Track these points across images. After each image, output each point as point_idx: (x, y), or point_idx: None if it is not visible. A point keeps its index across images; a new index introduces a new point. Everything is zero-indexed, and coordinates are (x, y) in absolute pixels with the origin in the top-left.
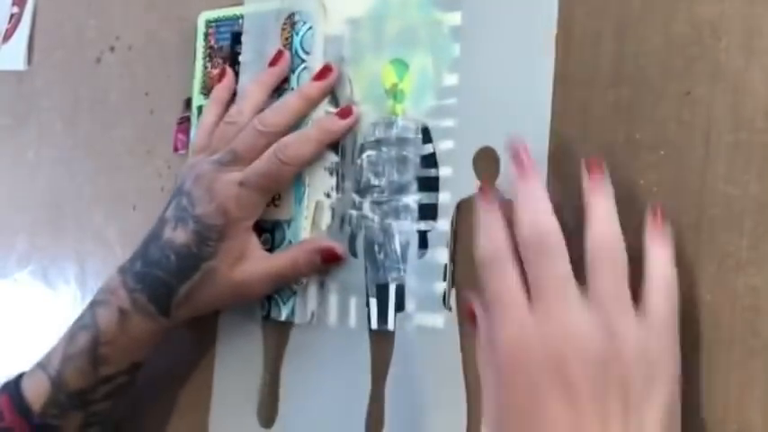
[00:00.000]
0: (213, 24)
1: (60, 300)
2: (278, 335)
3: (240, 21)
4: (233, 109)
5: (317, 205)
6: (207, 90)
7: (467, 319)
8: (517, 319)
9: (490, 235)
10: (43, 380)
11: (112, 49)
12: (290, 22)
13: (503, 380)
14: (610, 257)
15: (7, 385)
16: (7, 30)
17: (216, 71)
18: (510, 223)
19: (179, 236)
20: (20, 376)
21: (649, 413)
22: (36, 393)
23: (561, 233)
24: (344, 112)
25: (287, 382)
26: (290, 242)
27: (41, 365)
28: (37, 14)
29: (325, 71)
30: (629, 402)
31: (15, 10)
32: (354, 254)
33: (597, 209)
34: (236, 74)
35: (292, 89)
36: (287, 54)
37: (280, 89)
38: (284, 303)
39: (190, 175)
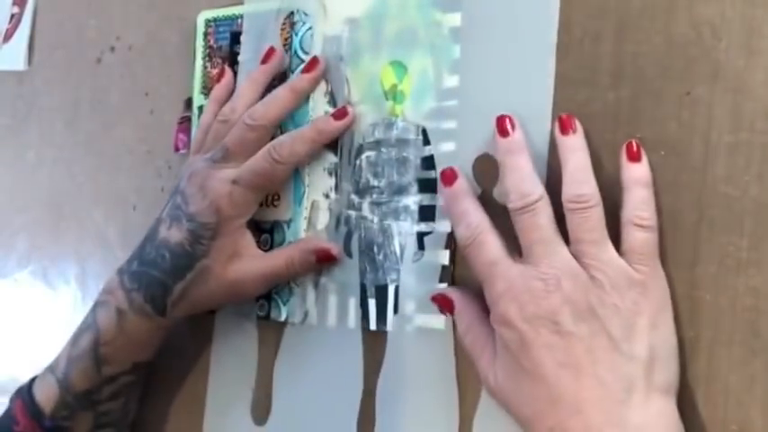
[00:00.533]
0: (212, 24)
1: (60, 300)
2: (273, 334)
3: (239, 20)
4: (226, 107)
5: (313, 205)
6: (207, 90)
7: (443, 308)
8: (503, 275)
9: (465, 220)
10: (52, 383)
11: (112, 49)
12: (290, 22)
13: (501, 338)
14: (585, 206)
15: (20, 390)
16: (7, 30)
17: (215, 71)
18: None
19: (174, 235)
20: (32, 381)
21: (638, 338)
22: (46, 396)
23: (545, 194)
24: (340, 114)
25: (280, 381)
26: (290, 243)
27: (50, 369)
28: (37, 14)
29: (313, 63)
30: (616, 329)
31: (15, 10)
32: (350, 254)
33: (569, 164)
34: (235, 73)
35: None
36: (279, 51)
37: None
38: (284, 304)
39: (185, 174)
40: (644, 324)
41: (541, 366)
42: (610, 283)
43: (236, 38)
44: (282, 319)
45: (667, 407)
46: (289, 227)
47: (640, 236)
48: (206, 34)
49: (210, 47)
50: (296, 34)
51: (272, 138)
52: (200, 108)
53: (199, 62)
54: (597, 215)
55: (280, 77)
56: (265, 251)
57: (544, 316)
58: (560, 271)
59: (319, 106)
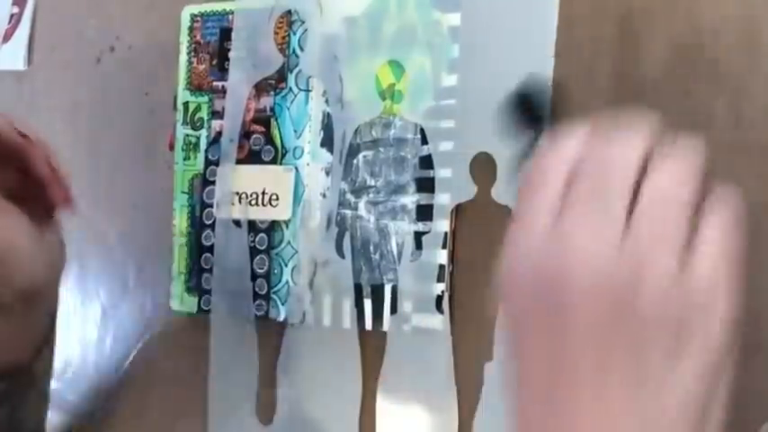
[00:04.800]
0: (199, 18)
1: (60, 300)
2: (273, 334)
3: (230, 17)
4: None
5: (304, 204)
6: (192, 85)
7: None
8: (527, 230)
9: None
10: None
11: (112, 49)
12: (287, 21)
13: (503, 306)
14: (667, 198)
15: None
16: (7, 30)
17: (202, 66)
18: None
19: None
20: None
21: (666, 387)
22: None
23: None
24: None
25: (283, 381)
26: (289, 243)
27: None
28: (37, 14)
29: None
30: (638, 362)
31: (15, 10)
32: (342, 255)
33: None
34: (226, 70)
35: (290, 89)
36: None
37: (277, 89)
38: (283, 304)
39: None
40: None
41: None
42: None
43: (225, 34)
44: (281, 318)
45: None
46: (287, 227)
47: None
48: (191, 29)
49: (197, 42)
50: (294, 34)
51: None
52: (185, 105)
53: (183, 57)
54: None
55: (278, 78)
56: (264, 251)
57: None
58: None
59: (318, 106)
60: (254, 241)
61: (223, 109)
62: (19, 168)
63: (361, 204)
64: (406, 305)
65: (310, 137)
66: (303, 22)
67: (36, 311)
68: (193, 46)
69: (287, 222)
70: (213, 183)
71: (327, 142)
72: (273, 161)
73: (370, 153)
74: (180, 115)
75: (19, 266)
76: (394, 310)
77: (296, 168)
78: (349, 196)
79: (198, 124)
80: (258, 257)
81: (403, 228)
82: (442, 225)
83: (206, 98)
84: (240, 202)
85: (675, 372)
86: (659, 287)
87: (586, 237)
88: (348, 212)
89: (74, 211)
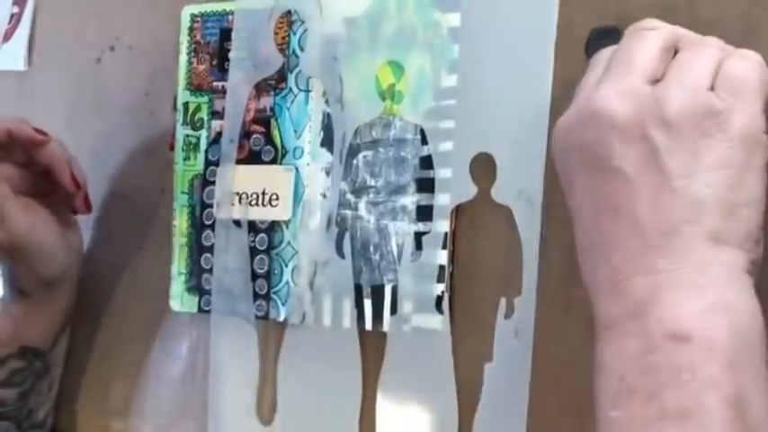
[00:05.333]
0: (198, 19)
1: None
2: (273, 334)
3: (230, 17)
4: None
5: (304, 204)
6: (192, 86)
7: None
8: (625, 84)
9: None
10: None
11: (112, 49)
12: (287, 21)
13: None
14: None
15: None
16: (7, 30)
17: (202, 67)
18: None
19: None
20: None
21: (699, 176)
22: None
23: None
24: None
25: (284, 381)
26: (289, 243)
27: None
28: (37, 14)
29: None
30: (671, 160)
31: (15, 10)
32: (342, 255)
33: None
34: (226, 70)
35: (290, 89)
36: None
37: (277, 89)
38: (283, 304)
39: None
40: (712, 160)
41: (580, 212)
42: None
43: (225, 34)
44: (281, 319)
45: (723, 260)
46: (287, 227)
47: (741, 64)
48: (191, 29)
49: (197, 42)
50: (294, 34)
51: None
52: (185, 105)
53: (183, 57)
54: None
55: (278, 78)
56: (263, 251)
57: (587, 148)
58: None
59: (318, 106)
60: (254, 241)
61: (223, 109)
62: (42, 172)
63: (362, 204)
64: (406, 305)
65: (310, 137)
66: (303, 23)
67: (54, 300)
68: (193, 46)
69: (287, 222)
70: (213, 183)
71: (327, 142)
72: (273, 161)
73: (370, 153)
74: (180, 115)
75: (45, 259)
76: (394, 310)
77: (296, 168)
78: (349, 196)
79: (198, 124)
80: (258, 257)
81: (403, 228)
82: (442, 225)
83: (206, 98)
84: (240, 202)
85: (698, 164)
86: (681, 91)
87: (675, 85)
88: (348, 213)
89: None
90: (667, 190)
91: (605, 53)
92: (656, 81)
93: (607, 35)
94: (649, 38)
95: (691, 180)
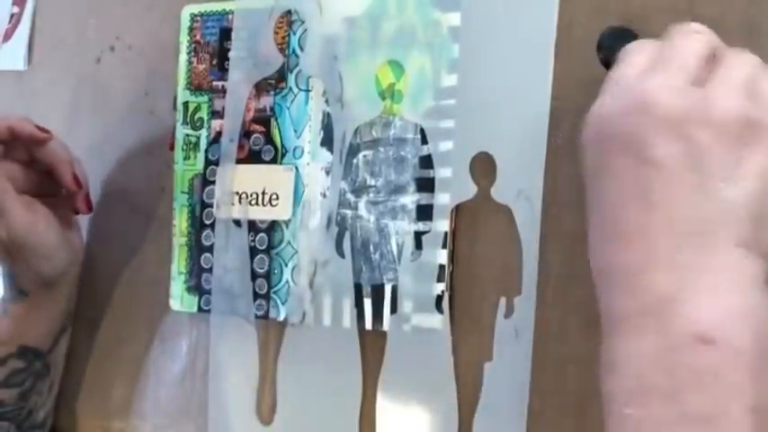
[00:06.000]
0: (198, 18)
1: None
2: (273, 334)
3: (229, 16)
4: None
5: (304, 204)
6: (192, 85)
7: None
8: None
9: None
10: None
11: (112, 48)
12: (287, 21)
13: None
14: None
15: None
16: (7, 30)
17: (202, 66)
18: None
19: None
20: None
21: (738, 179)
22: None
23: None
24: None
25: (284, 380)
26: (289, 243)
27: None
28: (37, 14)
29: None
30: (711, 161)
31: (15, 10)
32: (342, 254)
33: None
34: (226, 70)
35: (290, 89)
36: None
37: (277, 89)
38: (283, 304)
39: None
40: (751, 169)
41: (605, 199)
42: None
43: (225, 34)
44: (281, 318)
45: (750, 267)
46: (287, 227)
47: None
48: (191, 29)
49: (197, 42)
50: (294, 33)
51: None
52: (185, 104)
53: (183, 57)
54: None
55: (278, 78)
56: (263, 251)
57: (630, 135)
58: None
59: (318, 106)
60: (254, 241)
61: (223, 109)
62: (44, 171)
63: (361, 204)
64: (406, 305)
65: (310, 137)
66: (303, 22)
67: (54, 300)
68: (193, 46)
69: (287, 222)
70: (213, 183)
71: (327, 142)
72: (273, 161)
73: (370, 153)
74: (180, 115)
75: (45, 259)
76: (394, 309)
77: (296, 168)
78: (349, 196)
79: (198, 124)
80: (258, 257)
81: (403, 227)
82: (441, 225)
83: (206, 98)
84: (240, 201)
85: (738, 170)
86: (728, 97)
87: (725, 91)
88: (348, 212)
89: (92, 212)
90: (705, 190)
91: (640, 47)
92: (698, 83)
93: (622, 34)
94: (699, 41)
95: (728, 184)
